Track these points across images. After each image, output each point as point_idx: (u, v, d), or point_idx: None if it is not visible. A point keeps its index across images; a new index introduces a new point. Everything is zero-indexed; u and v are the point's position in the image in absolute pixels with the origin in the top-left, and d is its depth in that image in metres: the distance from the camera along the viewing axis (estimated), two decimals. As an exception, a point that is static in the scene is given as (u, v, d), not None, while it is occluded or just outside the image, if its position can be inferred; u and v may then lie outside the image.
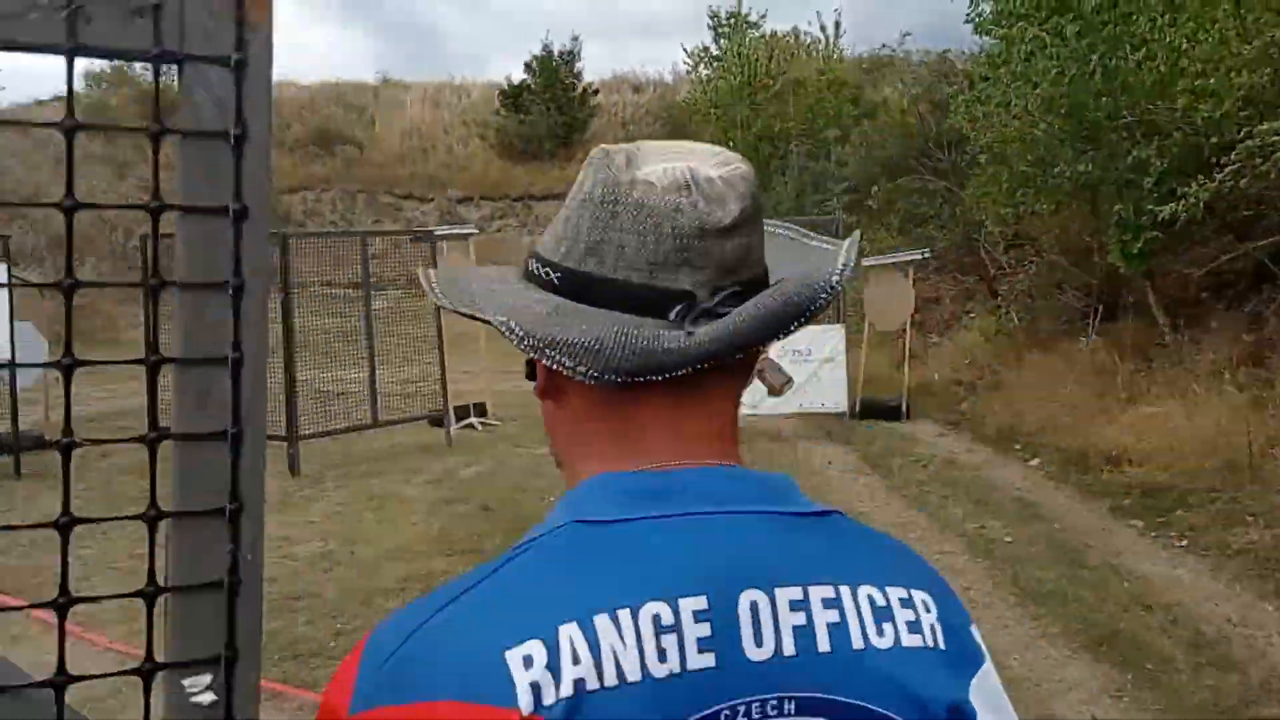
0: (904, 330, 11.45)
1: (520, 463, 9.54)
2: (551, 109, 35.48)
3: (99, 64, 31.97)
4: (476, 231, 11.47)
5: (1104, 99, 9.62)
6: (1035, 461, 9.11)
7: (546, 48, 36.52)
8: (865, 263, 11.69)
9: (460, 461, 9.64)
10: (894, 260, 11.13)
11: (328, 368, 10.12)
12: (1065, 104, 9.83)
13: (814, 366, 9.99)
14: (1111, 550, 6.65)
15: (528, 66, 36.49)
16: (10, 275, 9.29)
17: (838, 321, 10.16)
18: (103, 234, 23.60)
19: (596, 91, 37.19)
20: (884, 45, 25.61)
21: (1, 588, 6.10)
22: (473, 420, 11.20)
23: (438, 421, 10.61)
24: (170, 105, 0.66)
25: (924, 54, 22.50)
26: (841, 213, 20.93)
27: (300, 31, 74.68)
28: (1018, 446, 9.65)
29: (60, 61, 0.62)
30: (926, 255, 11.30)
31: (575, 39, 37.17)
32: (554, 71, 36.32)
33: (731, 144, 25.27)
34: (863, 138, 20.00)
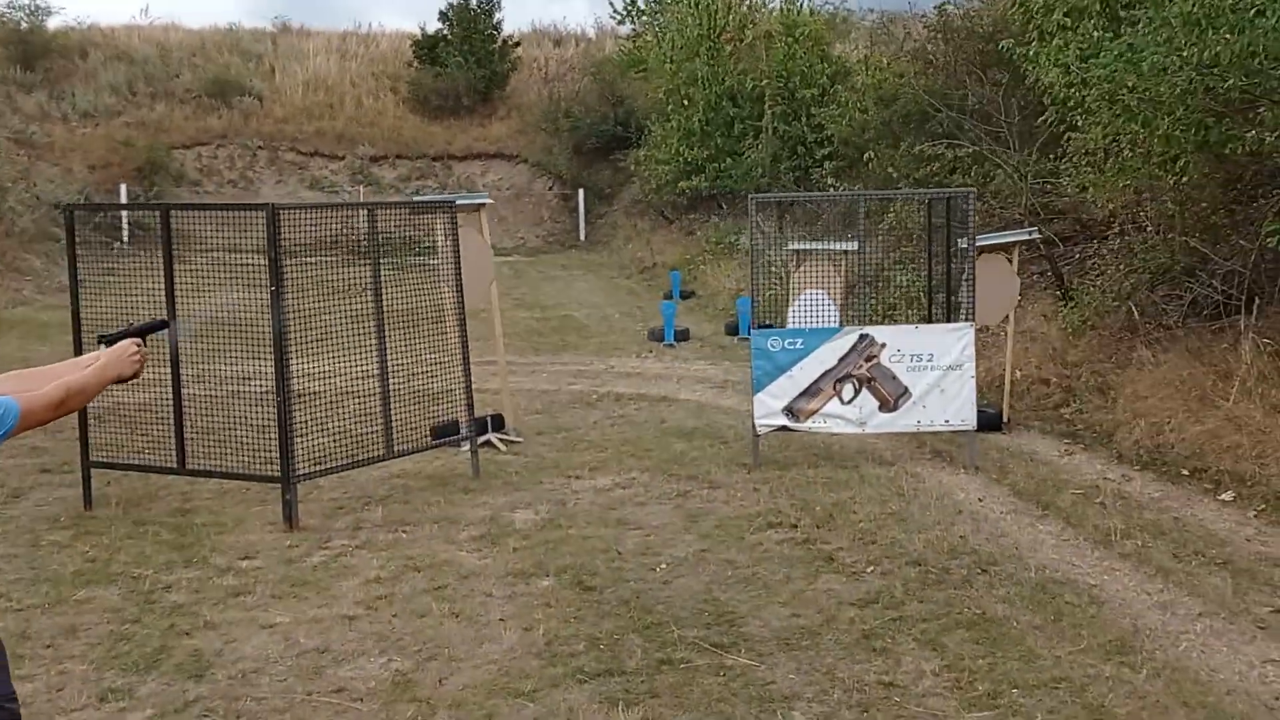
0: (1005, 323, 9.64)
1: (586, 505, 7.33)
2: (470, 61, 32.80)
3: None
4: (489, 200, 9.13)
5: None
6: (1227, 496, 7.39)
7: (464, -5, 33.66)
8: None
9: (503, 502, 7.38)
10: (1002, 240, 9.25)
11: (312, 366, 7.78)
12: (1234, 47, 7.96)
13: (937, 375, 8.02)
14: None
15: (443, 15, 33.62)
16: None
17: (964, 319, 8.22)
18: None
19: (518, 44, 34.61)
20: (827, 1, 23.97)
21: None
22: (490, 436, 8.94)
23: (448, 439, 8.29)
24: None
25: (877, 14, 20.90)
26: (832, 179, 19.25)
27: (173, -26, 68.97)
28: (1184, 472, 7.92)
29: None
30: (1033, 234, 9.45)
31: (496, -13, 34.38)
32: (472, 21, 33.56)
33: (686, 101, 23.17)
34: (852, 97, 18.13)
